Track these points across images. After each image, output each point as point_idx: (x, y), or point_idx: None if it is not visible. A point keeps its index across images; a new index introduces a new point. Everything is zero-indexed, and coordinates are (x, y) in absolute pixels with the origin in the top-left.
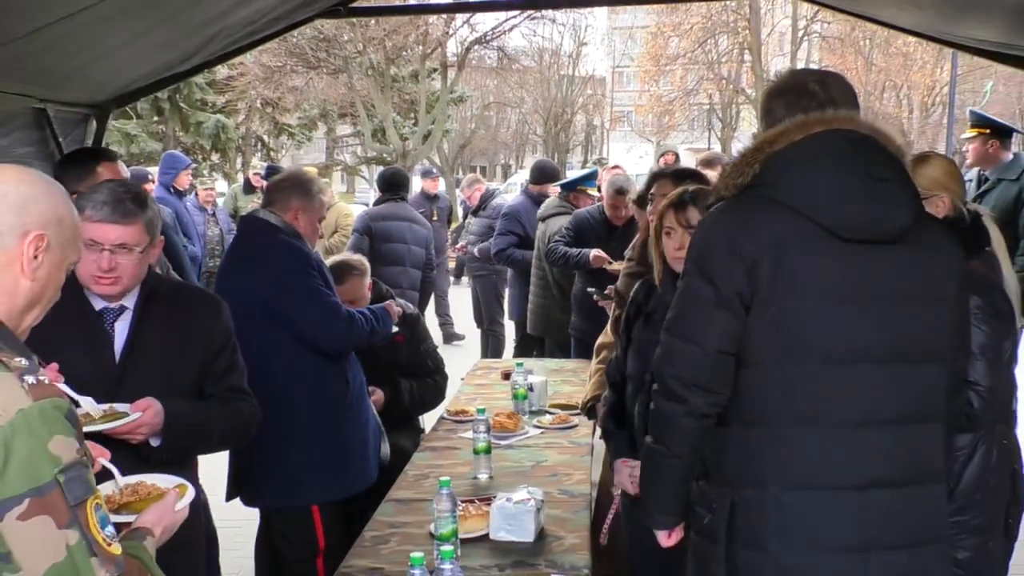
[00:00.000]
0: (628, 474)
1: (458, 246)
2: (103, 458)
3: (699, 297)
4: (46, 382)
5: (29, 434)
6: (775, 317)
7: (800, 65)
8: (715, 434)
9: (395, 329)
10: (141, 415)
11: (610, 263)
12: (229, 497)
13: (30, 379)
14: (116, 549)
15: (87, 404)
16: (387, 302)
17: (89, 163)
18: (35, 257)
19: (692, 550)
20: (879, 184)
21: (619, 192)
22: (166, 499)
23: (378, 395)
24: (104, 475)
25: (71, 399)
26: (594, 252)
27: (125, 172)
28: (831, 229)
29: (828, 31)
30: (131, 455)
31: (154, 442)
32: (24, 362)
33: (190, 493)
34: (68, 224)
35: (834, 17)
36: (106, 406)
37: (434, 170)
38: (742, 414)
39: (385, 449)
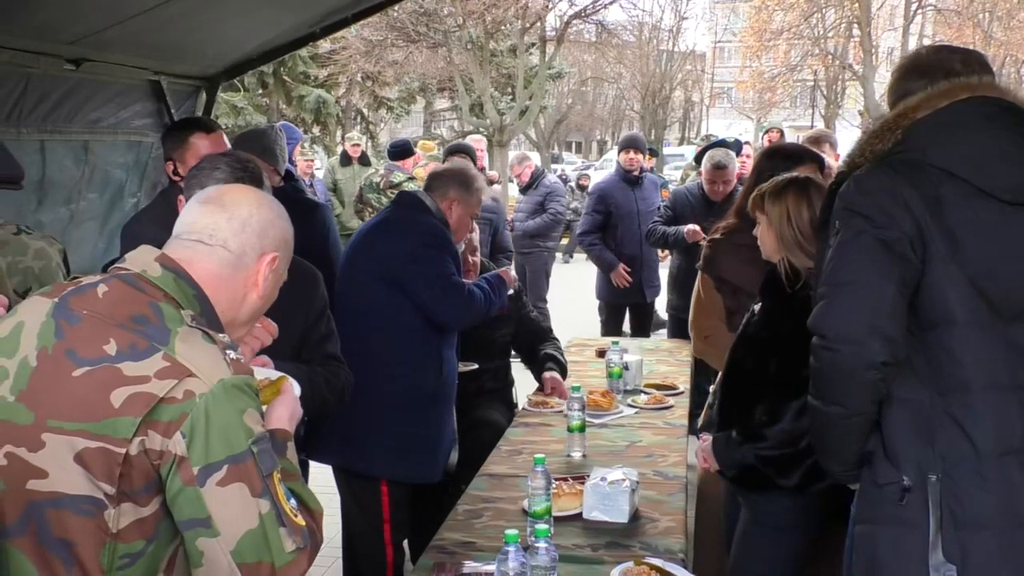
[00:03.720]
0: (699, 447)
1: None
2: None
3: (863, 243)
4: (242, 360)
5: (228, 403)
6: (951, 274)
7: (913, 40)
8: (895, 410)
9: (511, 292)
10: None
11: (705, 239)
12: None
13: (232, 354)
14: (301, 520)
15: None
16: (503, 268)
17: (182, 133)
18: (267, 277)
19: (861, 542)
20: None
21: (717, 167)
22: (287, 391)
23: (509, 275)
24: None
25: None
26: (688, 227)
27: (225, 143)
28: (988, 190)
29: (944, 3)
30: None
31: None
32: (226, 338)
33: (296, 383)
34: (290, 246)
35: None
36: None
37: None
38: (933, 382)
39: (454, 457)
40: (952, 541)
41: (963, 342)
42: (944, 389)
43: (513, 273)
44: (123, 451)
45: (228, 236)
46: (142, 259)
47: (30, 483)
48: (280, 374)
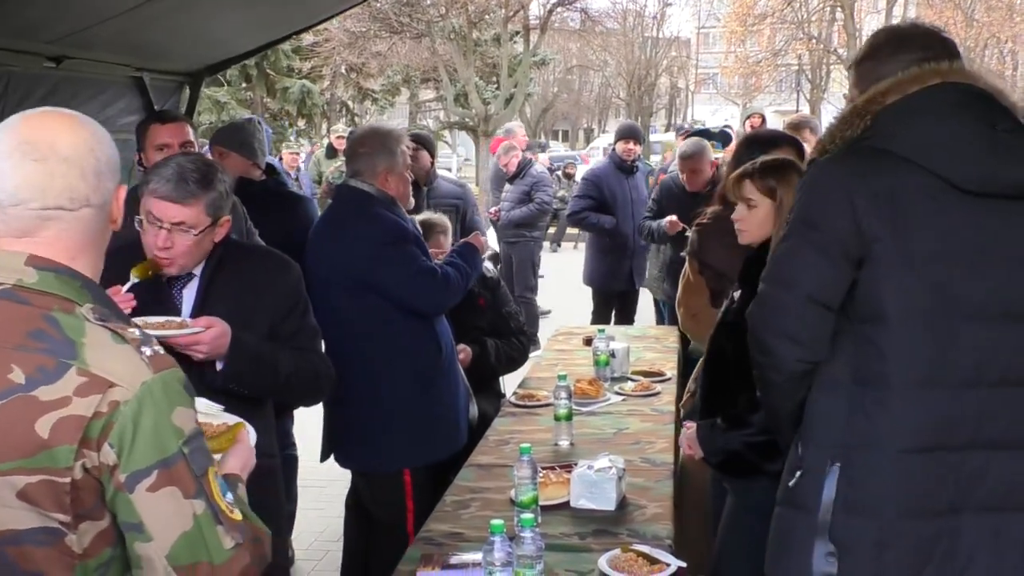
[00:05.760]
0: (684, 435)
1: (491, 211)
2: None
3: (798, 243)
4: (161, 352)
5: (154, 407)
6: (893, 270)
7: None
8: (816, 395)
9: (486, 258)
10: (203, 331)
11: (686, 229)
12: (324, 457)
13: (147, 351)
14: (237, 516)
15: (149, 320)
16: (472, 235)
17: (143, 124)
18: (120, 207)
19: (775, 523)
20: (1004, 135)
21: (683, 157)
22: (241, 438)
23: (466, 352)
24: None
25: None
26: (667, 219)
27: (188, 133)
28: (951, 180)
29: None
30: (195, 381)
31: (219, 365)
32: (137, 333)
33: (253, 432)
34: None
35: None
36: (168, 318)
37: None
38: (855, 373)
39: (474, 411)
40: (840, 526)
41: (891, 338)
42: (864, 380)
43: (483, 238)
44: (68, 480)
45: (89, 193)
46: (11, 266)
47: None
48: (237, 420)
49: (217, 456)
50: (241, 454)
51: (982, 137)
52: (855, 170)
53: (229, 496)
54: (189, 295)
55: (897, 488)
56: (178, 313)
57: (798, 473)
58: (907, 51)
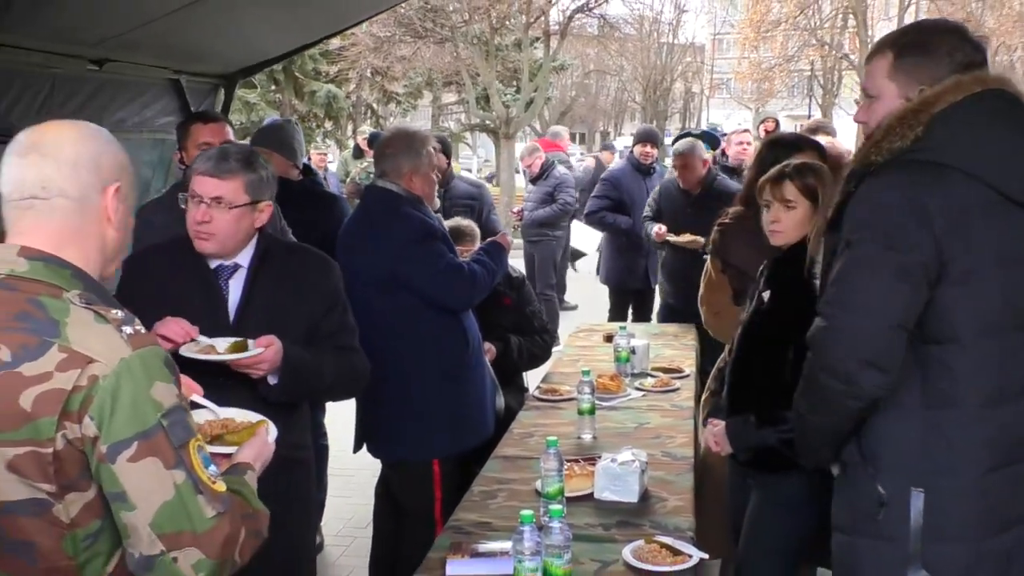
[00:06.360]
0: (709, 432)
1: (514, 211)
2: (196, 395)
3: (874, 266)
4: (142, 331)
5: (132, 381)
6: (967, 289)
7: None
8: (882, 421)
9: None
10: (264, 351)
11: (669, 237)
12: (356, 448)
13: (128, 329)
14: (220, 487)
15: (217, 342)
16: (500, 234)
17: (186, 124)
18: (117, 208)
19: (854, 554)
20: None
21: (676, 154)
22: (260, 434)
23: (491, 351)
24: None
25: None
26: (654, 230)
27: (227, 132)
28: (1004, 192)
29: None
30: (248, 395)
31: (272, 380)
32: (120, 314)
33: (273, 428)
34: (130, 169)
35: None
36: (233, 340)
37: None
38: (924, 396)
39: (500, 402)
40: (931, 553)
41: (965, 358)
42: (935, 403)
43: (510, 238)
44: (50, 450)
45: (63, 183)
46: (5, 258)
47: None
48: (260, 418)
49: (234, 448)
50: (256, 447)
51: None
52: (924, 185)
53: (212, 468)
54: (235, 285)
55: (981, 509)
56: (224, 302)
57: (881, 506)
58: (960, 51)
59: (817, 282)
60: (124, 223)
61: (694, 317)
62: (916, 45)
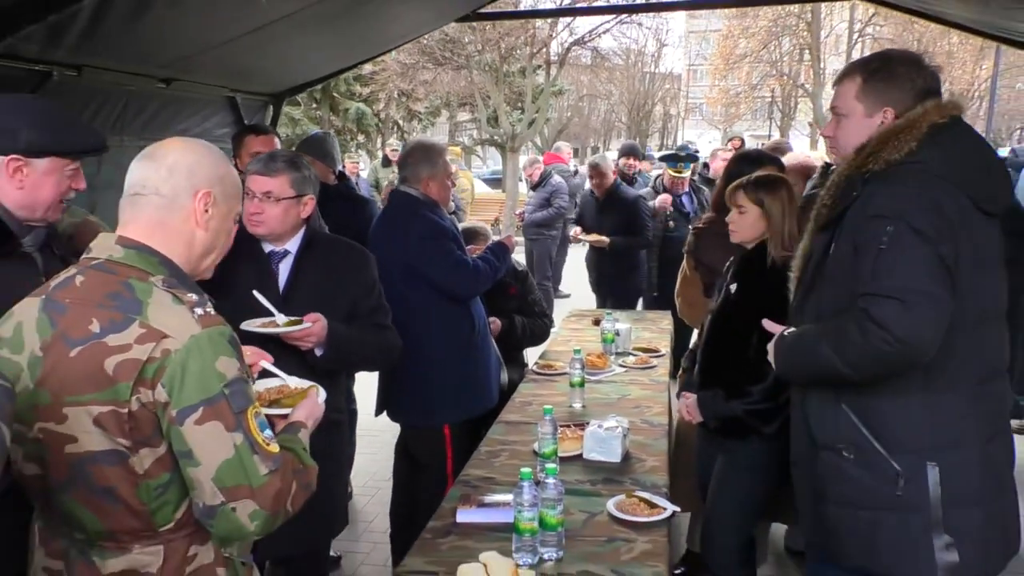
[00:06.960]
0: (683, 404)
1: (516, 213)
2: (267, 361)
3: (926, 253)
4: (212, 313)
5: (200, 355)
6: (969, 280)
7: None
8: (888, 405)
9: (519, 269)
10: (312, 325)
11: (582, 236)
12: (378, 412)
13: (199, 311)
14: (274, 448)
15: (279, 317)
16: (506, 235)
17: (240, 135)
18: (206, 211)
19: (878, 527)
20: (997, 163)
21: (590, 166)
22: (311, 396)
23: (496, 324)
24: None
25: (271, 314)
26: (572, 231)
27: (276, 143)
28: (980, 203)
29: (881, 33)
30: (298, 363)
31: (318, 351)
32: (195, 297)
33: (323, 392)
34: (229, 181)
35: (886, 21)
36: (290, 318)
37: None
38: (927, 376)
39: (504, 377)
40: (952, 517)
41: (967, 341)
42: (938, 382)
43: (516, 239)
44: (126, 410)
45: (158, 183)
46: (105, 245)
47: (67, 448)
48: (311, 384)
49: (288, 410)
50: (308, 407)
51: (996, 165)
52: (933, 187)
53: (268, 432)
54: (285, 267)
55: (986, 474)
56: (275, 281)
57: (900, 480)
58: (920, 78)
59: (792, 275)
60: (216, 226)
61: (605, 300)
62: (882, 71)
